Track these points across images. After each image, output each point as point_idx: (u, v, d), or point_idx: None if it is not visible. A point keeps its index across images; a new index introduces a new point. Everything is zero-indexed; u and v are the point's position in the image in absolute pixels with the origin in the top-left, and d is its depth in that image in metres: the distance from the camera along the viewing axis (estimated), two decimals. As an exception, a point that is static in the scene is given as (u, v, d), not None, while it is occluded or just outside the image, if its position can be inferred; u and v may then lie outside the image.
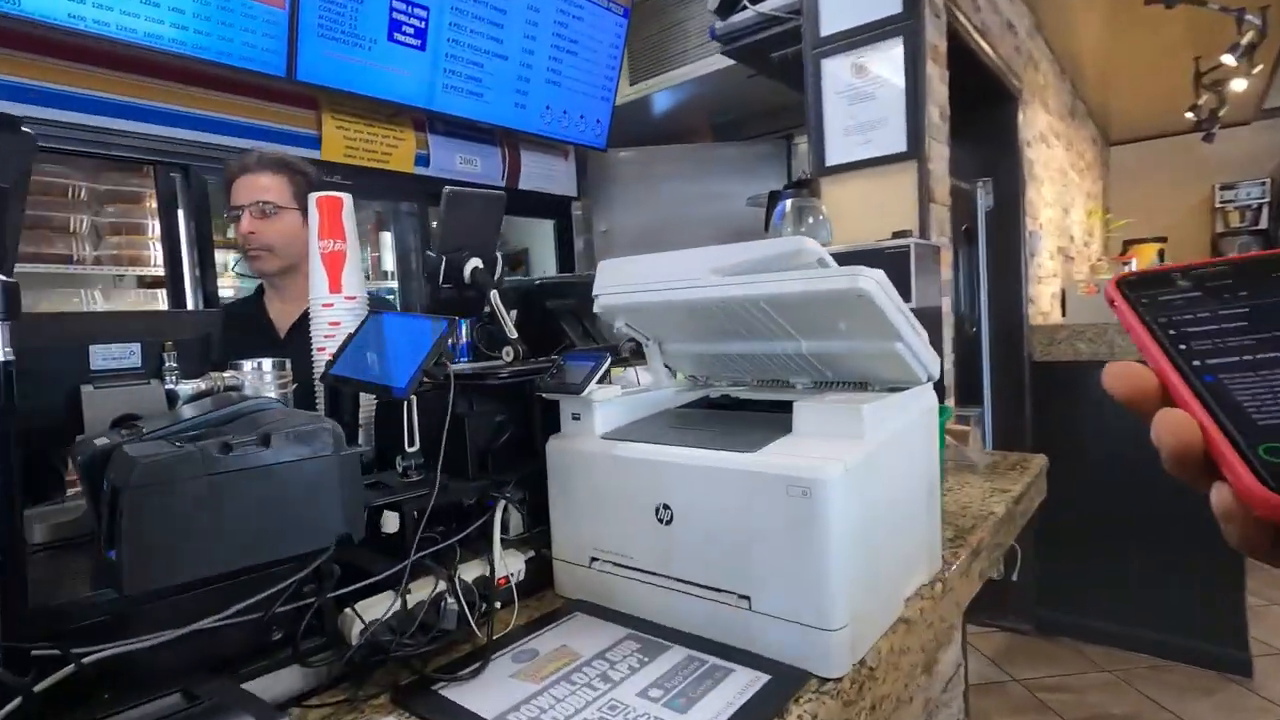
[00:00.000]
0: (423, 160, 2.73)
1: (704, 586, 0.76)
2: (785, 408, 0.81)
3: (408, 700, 0.68)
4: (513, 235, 3.67)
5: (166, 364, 0.89)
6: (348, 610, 0.73)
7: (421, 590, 0.79)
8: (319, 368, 1.04)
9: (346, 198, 1.07)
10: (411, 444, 0.89)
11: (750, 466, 0.72)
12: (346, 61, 2.28)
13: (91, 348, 0.84)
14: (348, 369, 0.87)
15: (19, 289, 0.47)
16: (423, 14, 2.42)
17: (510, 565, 0.90)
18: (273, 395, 0.97)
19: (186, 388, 0.89)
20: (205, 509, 0.59)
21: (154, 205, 2.15)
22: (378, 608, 0.75)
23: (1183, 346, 0.29)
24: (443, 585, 0.80)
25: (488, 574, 0.85)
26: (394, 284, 3.15)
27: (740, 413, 0.95)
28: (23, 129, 0.49)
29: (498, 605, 0.84)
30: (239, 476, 0.61)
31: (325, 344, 1.04)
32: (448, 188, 0.97)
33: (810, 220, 1.96)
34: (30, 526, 0.72)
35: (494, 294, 0.99)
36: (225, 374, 0.94)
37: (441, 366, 0.81)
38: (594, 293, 1.00)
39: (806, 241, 0.79)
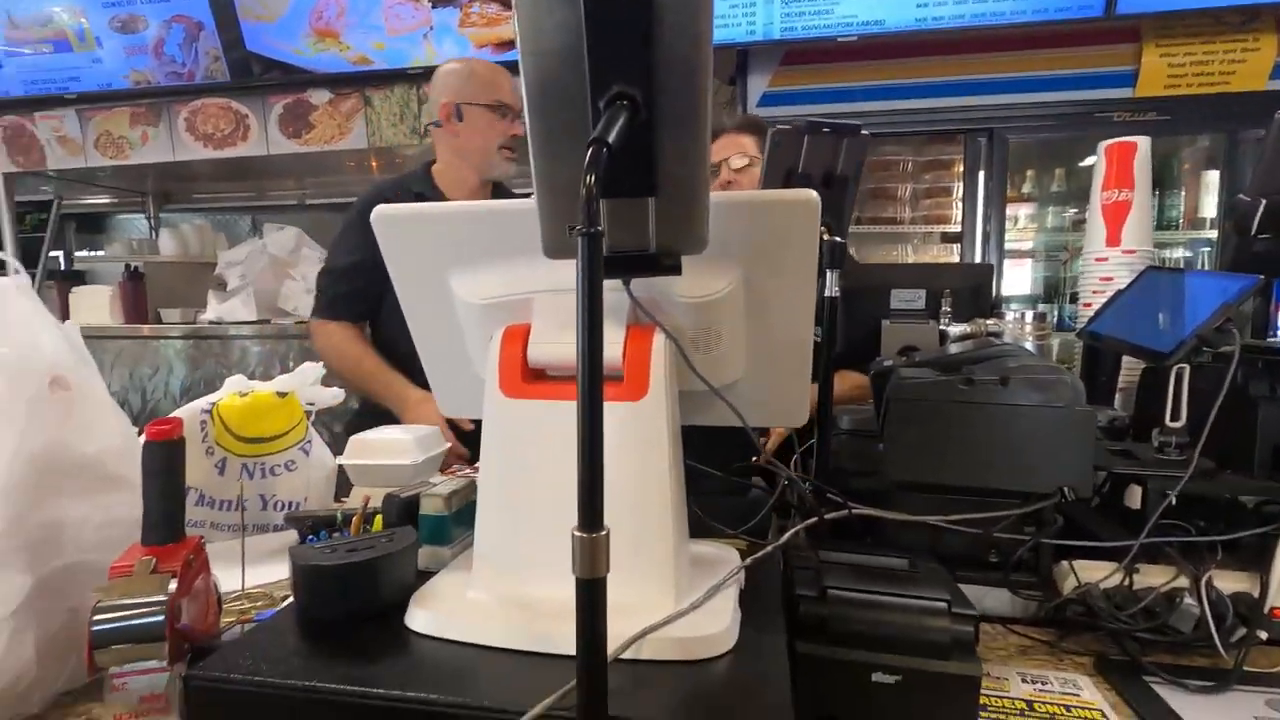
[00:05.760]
0: (1286, 70, 2.08)
1: None
2: None
3: (1113, 675, 0.65)
4: None
5: (943, 308, 1.05)
6: (1065, 563, 0.74)
7: (1153, 577, 0.72)
8: (1079, 322, 1.02)
9: (1143, 142, 0.97)
10: (1175, 418, 0.79)
11: None
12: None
13: (893, 291, 1.08)
14: (1108, 326, 0.84)
15: (845, 247, 0.67)
16: None
17: (1295, 597, 0.70)
18: (1028, 344, 1.02)
19: (955, 329, 1.04)
20: (945, 428, 0.71)
21: (960, 169, 2.43)
22: (1096, 573, 0.72)
23: None
24: (1183, 581, 0.71)
25: (1256, 594, 0.69)
26: (1212, 233, 2.53)
27: None
28: (861, 132, 0.69)
29: (1262, 635, 0.67)
30: (976, 408, 0.70)
31: (1092, 299, 1.01)
32: (1283, 112, 0.76)
33: None
34: (840, 417, 1.00)
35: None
36: (989, 320, 1.04)
37: (1225, 334, 0.68)
38: None
39: None
